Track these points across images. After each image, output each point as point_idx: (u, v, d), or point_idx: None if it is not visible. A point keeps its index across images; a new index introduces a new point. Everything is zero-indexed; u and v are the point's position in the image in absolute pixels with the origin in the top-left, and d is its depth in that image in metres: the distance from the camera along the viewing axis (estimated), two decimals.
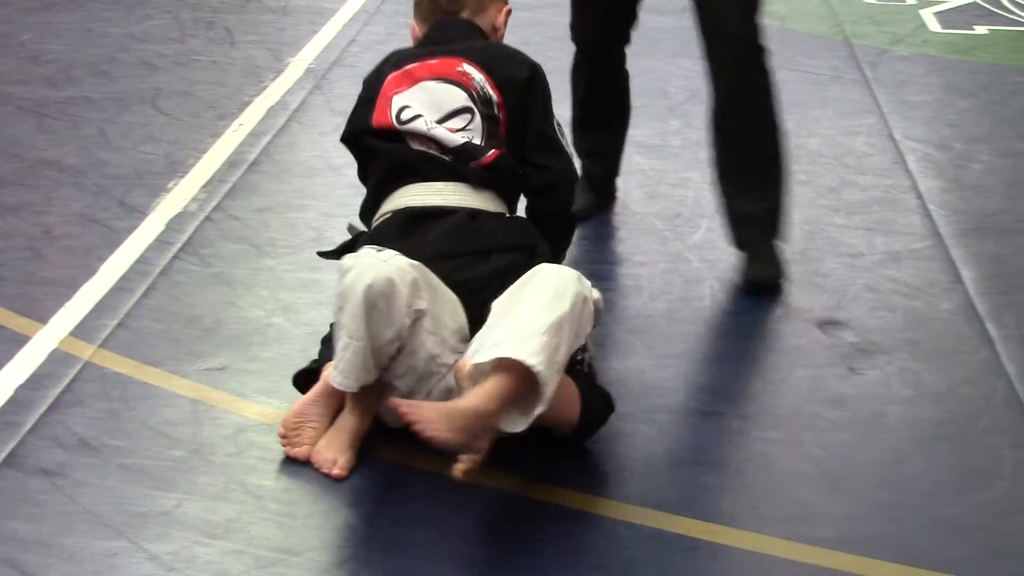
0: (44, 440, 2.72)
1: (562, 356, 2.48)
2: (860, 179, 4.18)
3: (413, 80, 2.93)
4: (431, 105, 2.89)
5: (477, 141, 2.87)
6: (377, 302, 2.54)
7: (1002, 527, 2.51)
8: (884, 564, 2.40)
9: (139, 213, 3.84)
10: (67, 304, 3.29)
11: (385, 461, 2.68)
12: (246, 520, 2.49)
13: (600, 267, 3.55)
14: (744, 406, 2.91)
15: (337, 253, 2.89)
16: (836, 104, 4.90)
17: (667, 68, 5.24)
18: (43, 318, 3.23)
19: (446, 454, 2.69)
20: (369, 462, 2.66)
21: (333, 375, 2.62)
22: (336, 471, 2.59)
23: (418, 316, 2.60)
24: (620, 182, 4.06)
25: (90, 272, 3.46)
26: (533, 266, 2.61)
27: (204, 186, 4.02)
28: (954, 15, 6.18)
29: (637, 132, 4.54)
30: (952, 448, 2.77)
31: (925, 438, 2.81)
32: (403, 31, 5.72)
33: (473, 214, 2.80)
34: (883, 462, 2.72)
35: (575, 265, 3.39)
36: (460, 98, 2.89)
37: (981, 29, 5.96)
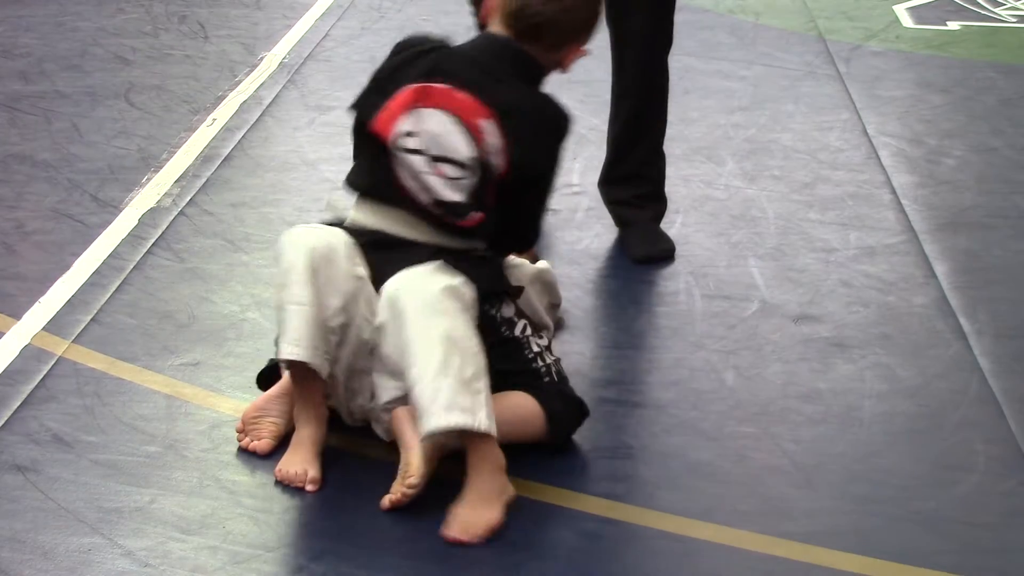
0: (17, 436, 2.71)
1: (462, 367, 2.45)
2: (834, 174, 4.20)
3: (430, 102, 2.65)
4: (434, 140, 2.64)
5: (461, 199, 2.66)
6: (320, 267, 2.55)
7: (975, 520, 2.53)
8: (858, 558, 2.41)
9: (112, 208, 3.82)
10: (40, 299, 3.28)
11: (361, 457, 2.68)
12: (221, 516, 2.48)
13: (575, 263, 3.56)
14: (719, 401, 2.91)
15: None
16: (810, 99, 4.91)
17: None
18: (16, 313, 3.21)
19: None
20: (345, 458, 2.66)
21: (283, 347, 2.56)
22: (310, 486, 2.57)
23: (359, 285, 2.60)
24: (596, 177, 4.07)
25: (63, 267, 3.44)
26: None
27: (178, 181, 4.01)
28: (927, 11, 6.21)
29: None
30: (926, 442, 2.79)
31: (899, 432, 2.82)
32: (377, 25, 5.74)
33: (438, 251, 2.67)
34: (857, 456, 2.73)
35: (549, 259, 3.39)
36: (464, 153, 2.64)
37: (954, 25, 5.99)
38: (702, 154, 4.35)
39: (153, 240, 3.61)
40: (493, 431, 2.46)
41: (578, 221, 3.81)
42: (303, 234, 2.62)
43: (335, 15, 5.87)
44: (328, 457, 2.63)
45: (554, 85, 4.93)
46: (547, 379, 2.70)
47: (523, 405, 2.65)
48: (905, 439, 2.80)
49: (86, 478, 2.58)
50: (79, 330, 3.14)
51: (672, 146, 4.39)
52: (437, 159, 2.65)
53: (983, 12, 6.21)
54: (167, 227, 3.69)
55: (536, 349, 2.72)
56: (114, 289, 3.34)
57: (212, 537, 2.42)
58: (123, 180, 4.02)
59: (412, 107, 2.66)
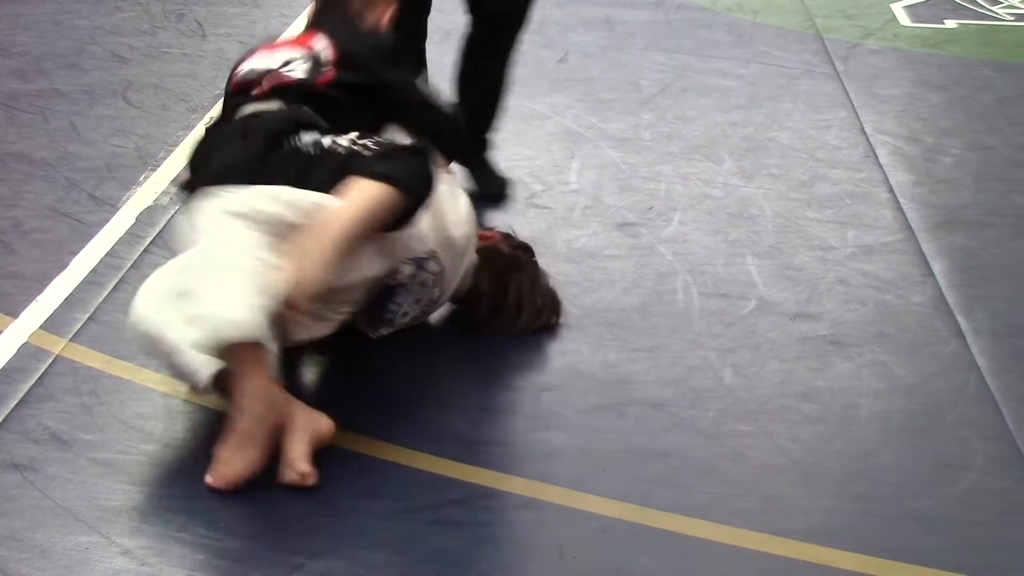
0: (15, 435, 2.70)
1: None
2: (831, 173, 4.20)
3: (257, 51, 3.11)
4: (267, 60, 3.04)
5: (301, 76, 2.96)
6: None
7: (972, 519, 2.53)
8: (856, 556, 2.41)
9: (110, 206, 3.82)
10: (38, 298, 3.27)
11: (358, 454, 2.68)
12: (219, 514, 2.48)
13: (572, 262, 3.56)
14: (717, 399, 2.92)
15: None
16: (807, 98, 4.91)
17: (639, 62, 5.25)
18: (13, 312, 3.21)
19: (421, 449, 2.69)
20: (343, 458, 2.66)
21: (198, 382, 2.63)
22: (311, 480, 2.55)
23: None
24: (593, 175, 4.08)
25: (61, 266, 3.44)
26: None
27: (175, 179, 4.00)
28: (924, 9, 6.21)
29: (609, 125, 4.56)
30: (923, 440, 2.79)
31: (896, 430, 2.82)
32: None
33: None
34: (855, 454, 2.73)
35: (546, 257, 3.40)
36: (295, 52, 3.01)
37: (951, 23, 5.99)
38: (700, 152, 4.35)
39: (151, 239, 3.61)
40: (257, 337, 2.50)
41: (575, 219, 3.81)
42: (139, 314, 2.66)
43: None
44: (327, 456, 2.63)
45: (552, 84, 4.94)
46: (367, 154, 2.75)
47: (361, 188, 2.66)
48: (903, 437, 2.80)
49: (84, 476, 2.58)
50: (77, 328, 3.13)
51: (670, 144, 4.41)
52: (276, 70, 2.99)
53: (980, 10, 6.21)
54: (164, 225, 3.69)
55: (345, 144, 2.77)
56: (112, 287, 3.34)
57: (210, 536, 2.41)
58: (121, 178, 4.01)
59: (245, 60, 3.10)
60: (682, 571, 2.37)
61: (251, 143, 2.77)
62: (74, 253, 3.52)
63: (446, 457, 2.65)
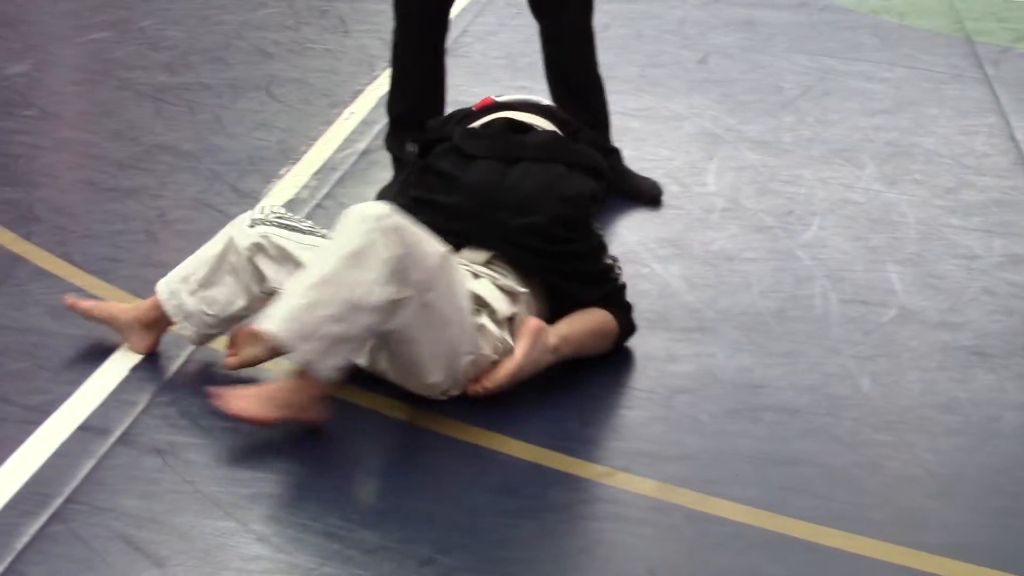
0: (156, 420, 2.76)
1: (318, 313, 2.59)
2: (979, 180, 4.10)
3: None
4: None
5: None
6: None
7: None
8: (999, 574, 2.35)
9: (251, 199, 3.88)
10: None
11: (493, 452, 2.69)
12: (353, 506, 2.50)
13: (708, 264, 3.53)
14: (854, 407, 2.86)
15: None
16: (955, 103, 4.80)
17: (780, 63, 5.18)
18: None
19: (555, 448, 2.69)
20: (477, 453, 2.67)
21: None
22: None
23: None
24: (731, 178, 4.03)
25: None
26: None
27: (315, 173, 4.06)
28: None
29: (748, 127, 4.50)
30: None
31: None
32: (515, 21, 5.75)
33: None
34: (998, 468, 2.66)
35: (682, 259, 3.37)
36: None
37: None
38: (841, 156, 4.28)
39: None
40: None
41: (712, 222, 3.78)
42: None
43: (473, 11, 5.90)
44: (462, 454, 2.63)
45: (690, 84, 4.86)
46: (623, 292, 3.09)
47: (607, 323, 3.00)
48: None
49: (222, 463, 2.62)
50: None
51: (810, 148, 4.35)
52: None
53: None
54: (305, 218, 3.73)
55: (618, 271, 3.09)
56: None
57: (343, 526, 2.44)
58: (262, 171, 4.08)
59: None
60: None
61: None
62: None
63: (579, 458, 2.65)
